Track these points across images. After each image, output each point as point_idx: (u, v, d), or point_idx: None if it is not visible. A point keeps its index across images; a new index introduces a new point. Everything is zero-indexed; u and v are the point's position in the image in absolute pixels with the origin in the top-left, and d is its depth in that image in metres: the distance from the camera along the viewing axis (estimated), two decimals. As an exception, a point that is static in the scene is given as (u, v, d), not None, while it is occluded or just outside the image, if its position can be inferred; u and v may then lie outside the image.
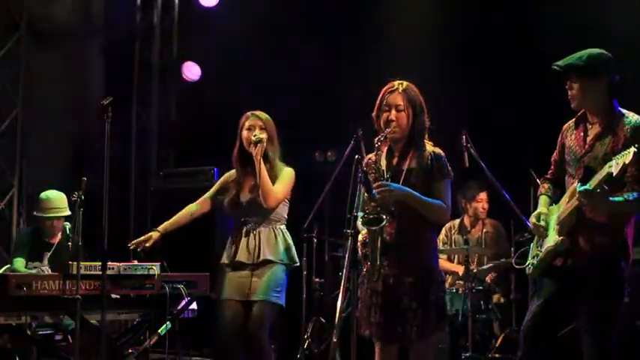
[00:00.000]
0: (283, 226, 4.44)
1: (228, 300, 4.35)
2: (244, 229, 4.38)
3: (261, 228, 4.35)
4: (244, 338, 4.30)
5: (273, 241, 4.34)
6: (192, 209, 4.56)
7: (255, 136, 4.29)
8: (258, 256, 4.29)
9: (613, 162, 3.13)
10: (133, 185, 8.26)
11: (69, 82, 7.73)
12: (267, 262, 4.29)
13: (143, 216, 8.12)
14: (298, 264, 4.52)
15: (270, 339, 4.33)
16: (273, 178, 4.32)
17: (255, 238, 4.33)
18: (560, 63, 3.45)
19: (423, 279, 3.50)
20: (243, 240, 4.36)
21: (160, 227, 4.49)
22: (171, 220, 4.56)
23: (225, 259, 4.41)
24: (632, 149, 3.07)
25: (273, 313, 4.32)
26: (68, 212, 5.60)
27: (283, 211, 4.45)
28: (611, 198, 3.23)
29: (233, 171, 4.54)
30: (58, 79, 7.59)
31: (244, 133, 4.39)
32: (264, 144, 4.28)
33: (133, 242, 4.44)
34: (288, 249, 4.38)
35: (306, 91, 7.01)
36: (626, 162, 3.08)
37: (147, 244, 4.40)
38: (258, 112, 4.43)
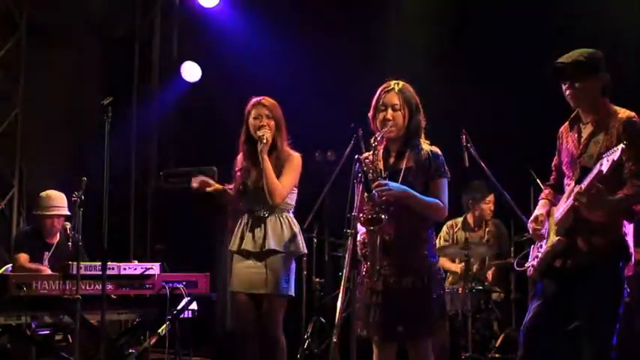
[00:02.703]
0: (290, 214, 4.40)
1: (238, 293, 4.33)
2: (251, 217, 4.34)
3: (267, 216, 4.31)
4: (257, 332, 4.29)
5: (279, 230, 4.30)
6: None
7: (259, 130, 4.26)
8: (263, 246, 4.26)
9: (604, 160, 3.12)
10: (133, 185, 8.24)
11: (69, 82, 7.73)
12: (272, 252, 4.26)
13: (143, 216, 8.12)
14: (306, 252, 4.47)
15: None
16: (279, 168, 4.29)
17: (261, 227, 4.29)
18: (564, 60, 3.41)
19: (424, 277, 3.50)
20: (250, 228, 4.32)
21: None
22: None
23: (232, 246, 4.38)
24: (620, 146, 3.06)
25: (284, 305, 4.31)
26: (68, 212, 5.60)
27: (291, 199, 4.41)
28: (610, 197, 3.23)
29: (240, 157, 4.48)
30: (58, 79, 7.59)
31: (250, 120, 4.34)
32: (269, 141, 4.25)
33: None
34: (293, 238, 4.33)
35: (306, 91, 7.00)
36: (615, 159, 3.07)
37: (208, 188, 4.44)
38: (263, 100, 4.37)
